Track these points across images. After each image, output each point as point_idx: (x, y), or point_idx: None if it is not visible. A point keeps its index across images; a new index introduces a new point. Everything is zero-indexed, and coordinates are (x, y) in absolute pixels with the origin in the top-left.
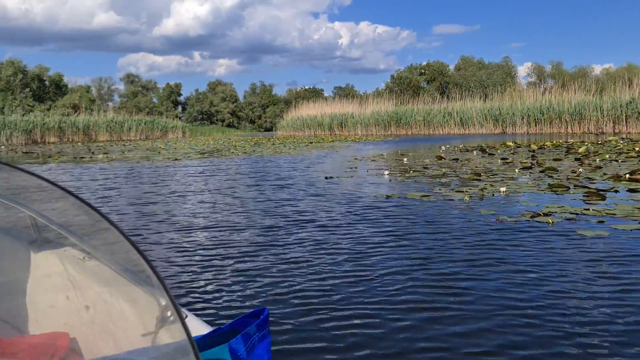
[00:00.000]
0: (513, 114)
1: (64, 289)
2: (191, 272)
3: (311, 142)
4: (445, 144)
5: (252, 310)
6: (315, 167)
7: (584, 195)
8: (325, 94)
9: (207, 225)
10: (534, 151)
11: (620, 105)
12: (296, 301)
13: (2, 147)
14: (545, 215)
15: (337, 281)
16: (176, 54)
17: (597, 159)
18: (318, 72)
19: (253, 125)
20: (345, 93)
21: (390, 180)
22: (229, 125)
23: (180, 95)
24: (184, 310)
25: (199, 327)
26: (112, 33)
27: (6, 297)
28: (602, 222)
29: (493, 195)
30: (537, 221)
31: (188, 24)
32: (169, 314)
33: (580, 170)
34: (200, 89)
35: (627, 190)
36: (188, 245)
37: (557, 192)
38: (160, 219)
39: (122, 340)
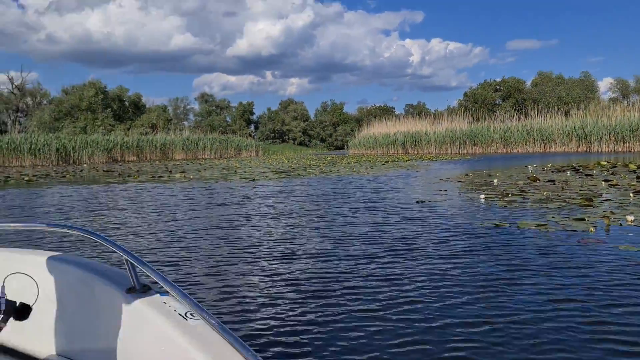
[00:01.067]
0: (599, 131)
1: (162, 349)
2: (280, 316)
3: (387, 161)
4: (529, 163)
5: None
6: (401, 189)
7: None
8: (396, 112)
9: (298, 253)
10: (635, 172)
11: None
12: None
13: (85, 165)
14: None
15: (467, 326)
16: (249, 74)
17: None
18: (388, 90)
19: (324, 144)
20: (416, 111)
21: (490, 206)
22: (300, 144)
23: (252, 114)
24: None
25: None
26: (188, 54)
27: (99, 342)
28: None
29: (620, 225)
30: None
31: (260, 43)
32: None
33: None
34: (272, 108)
35: None
36: (280, 276)
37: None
38: (246, 244)
39: None
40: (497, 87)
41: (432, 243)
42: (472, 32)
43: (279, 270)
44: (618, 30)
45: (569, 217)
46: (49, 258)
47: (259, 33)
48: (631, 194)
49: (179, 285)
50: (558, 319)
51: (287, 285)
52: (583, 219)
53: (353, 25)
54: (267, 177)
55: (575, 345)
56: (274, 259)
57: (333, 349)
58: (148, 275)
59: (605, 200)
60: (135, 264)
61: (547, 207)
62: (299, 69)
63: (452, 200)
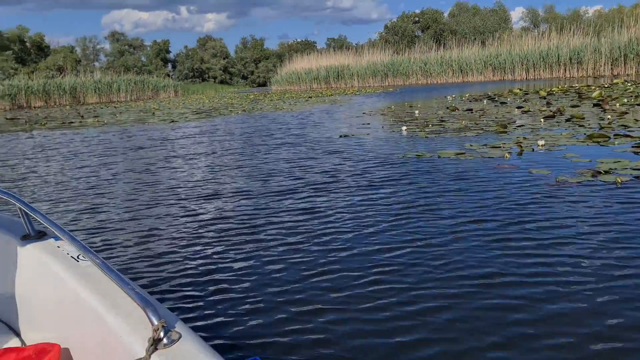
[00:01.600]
0: (512, 60)
1: (56, 291)
2: (198, 252)
3: (310, 97)
4: (449, 93)
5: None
6: (325, 124)
7: (633, 147)
8: (318, 46)
9: (221, 192)
10: (545, 98)
11: (619, 47)
12: (328, 282)
13: None
14: (607, 172)
15: (394, 245)
16: (162, 9)
17: (617, 104)
18: (309, 24)
19: (246, 81)
20: (338, 44)
21: (412, 137)
22: (222, 82)
23: (169, 52)
24: (180, 327)
25: (197, 355)
26: None
27: None
28: None
29: (533, 150)
30: (602, 181)
31: None
32: (162, 336)
33: (609, 117)
34: (189, 46)
35: None
36: (202, 215)
37: (600, 144)
38: (166, 186)
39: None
40: (416, 19)
41: (355, 175)
42: None
43: (201, 210)
44: None
45: (485, 145)
46: None
47: None
48: (542, 120)
49: (86, 231)
50: (472, 238)
51: (208, 224)
52: (499, 146)
53: None
54: (187, 118)
55: (486, 259)
56: (195, 200)
57: (256, 283)
58: (42, 224)
59: (519, 126)
60: (28, 212)
61: (465, 136)
62: (216, 3)
63: (376, 133)
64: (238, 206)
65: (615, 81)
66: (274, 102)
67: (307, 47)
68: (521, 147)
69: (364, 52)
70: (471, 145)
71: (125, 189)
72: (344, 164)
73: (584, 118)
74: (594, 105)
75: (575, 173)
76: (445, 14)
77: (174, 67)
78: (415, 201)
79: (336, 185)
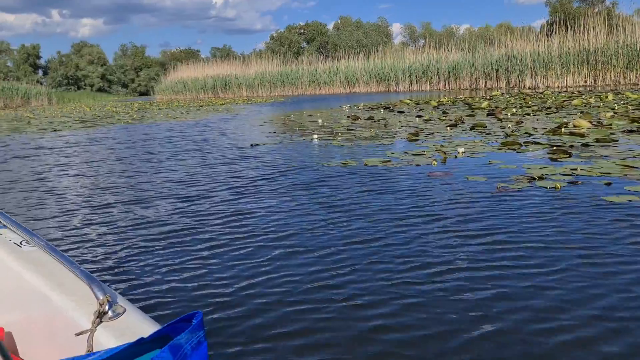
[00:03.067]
0: (396, 72)
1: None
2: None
3: (201, 106)
4: (342, 103)
5: (184, 314)
6: (229, 132)
7: (548, 153)
8: (202, 55)
9: (141, 198)
10: (438, 107)
11: (491, 63)
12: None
13: None
14: (541, 178)
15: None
16: (30, 12)
17: (508, 114)
18: (192, 33)
19: (126, 90)
20: (223, 54)
21: (326, 145)
22: (100, 90)
23: (39, 58)
24: (123, 302)
25: (140, 325)
26: None
27: None
28: (610, 183)
29: (456, 157)
30: (542, 187)
31: None
32: (107, 310)
33: (509, 125)
34: (63, 51)
35: (583, 145)
36: (96, 226)
37: (516, 151)
38: (66, 200)
39: (59, 339)
40: (302, 30)
41: (276, 181)
42: None
43: (97, 219)
44: None
45: (406, 152)
46: None
47: None
48: (448, 128)
49: None
50: (429, 248)
51: (102, 234)
52: (420, 154)
53: None
54: (71, 126)
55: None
56: (92, 209)
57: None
58: None
59: (429, 134)
60: None
61: (380, 143)
62: (92, 8)
63: (287, 142)
64: (164, 210)
65: (494, 93)
66: (163, 110)
67: (190, 55)
68: (445, 154)
69: (252, 61)
70: (392, 154)
71: (29, 198)
72: (263, 172)
73: (486, 126)
74: (488, 114)
75: (510, 180)
76: (330, 27)
77: (45, 73)
78: (354, 209)
79: (258, 195)
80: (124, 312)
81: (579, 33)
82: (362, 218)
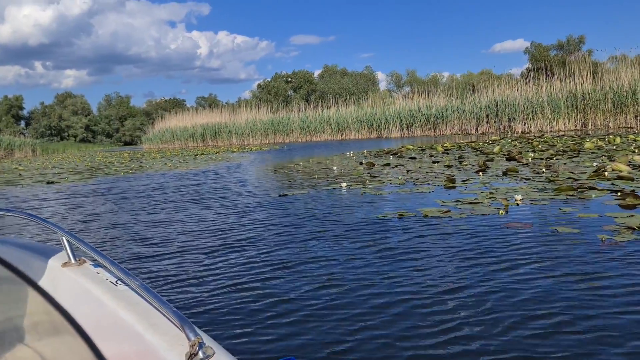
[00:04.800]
0: (387, 119)
1: (95, 313)
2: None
3: (196, 155)
4: (341, 150)
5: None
6: (247, 182)
7: (616, 198)
8: (188, 104)
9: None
10: (447, 153)
11: (480, 108)
12: None
13: None
14: None
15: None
16: (13, 64)
17: (529, 158)
18: (176, 83)
19: (111, 140)
20: (208, 103)
21: (362, 194)
22: (83, 141)
23: (22, 109)
24: (213, 344)
25: None
26: None
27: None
28: None
29: (517, 204)
30: None
31: (28, 31)
32: (198, 351)
33: (543, 170)
34: (46, 102)
35: None
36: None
37: (577, 197)
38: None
39: None
40: (289, 79)
41: (338, 237)
42: (258, 26)
43: (171, 269)
44: (384, 30)
45: (459, 201)
46: None
47: (25, 19)
48: (480, 174)
49: None
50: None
51: (182, 280)
52: (476, 202)
53: (136, 15)
54: (66, 178)
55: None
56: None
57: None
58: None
59: (464, 181)
60: (71, 240)
61: (421, 191)
62: (76, 59)
63: (316, 191)
64: (235, 258)
65: (493, 138)
66: (157, 160)
67: (176, 105)
68: (506, 202)
69: (242, 110)
70: (444, 202)
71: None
72: (313, 224)
73: (518, 171)
74: (508, 159)
75: (605, 230)
76: (315, 75)
77: (27, 124)
78: (461, 271)
79: (323, 245)
80: (213, 354)
81: (567, 78)
82: (480, 283)
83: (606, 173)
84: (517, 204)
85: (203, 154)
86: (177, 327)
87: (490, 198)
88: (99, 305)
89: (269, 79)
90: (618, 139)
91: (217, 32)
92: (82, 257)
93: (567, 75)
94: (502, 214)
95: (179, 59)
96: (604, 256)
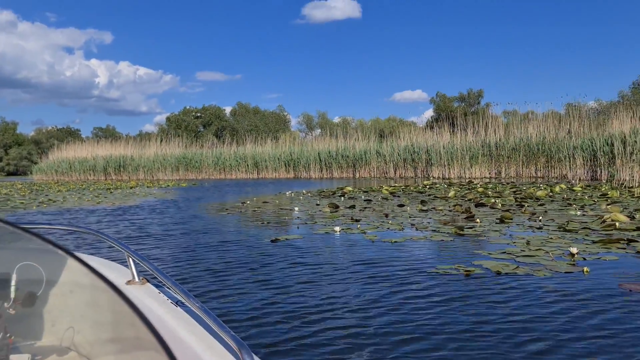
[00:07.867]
0: (307, 159)
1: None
2: None
3: (109, 188)
4: (269, 190)
5: None
6: (211, 225)
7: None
8: (83, 135)
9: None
10: (398, 196)
11: (399, 153)
12: None
13: None
14: None
15: None
16: None
17: (499, 204)
18: (70, 112)
19: None
20: (106, 134)
21: (372, 241)
22: None
23: None
24: None
25: None
26: None
27: (98, 331)
28: None
29: (582, 259)
30: None
31: None
32: None
33: (540, 217)
34: None
35: None
36: None
37: (626, 250)
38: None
39: None
40: (199, 114)
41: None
42: (163, 59)
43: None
44: (290, 73)
45: (507, 253)
46: (57, 253)
47: None
48: (478, 220)
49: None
50: None
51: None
52: (531, 256)
53: (29, 38)
54: None
55: None
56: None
57: None
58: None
59: (469, 227)
60: (136, 259)
61: (441, 239)
62: None
63: (310, 234)
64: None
65: (425, 182)
66: (64, 193)
67: (69, 135)
68: (574, 255)
69: (150, 143)
70: (490, 254)
71: None
72: (353, 280)
73: (512, 219)
74: (477, 205)
75: (615, 276)
76: (227, 112)
77: None
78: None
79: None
80: None
81: (479, 128)
82: None
83: (617, 224)
84: (581, 259)
85: (118, 188)
86: (235, 350)
87: (537, 250)
88: (160, 324)
89: (177, 113)
90: (558, 188)
91: (119, 62)
92: (146, 277)
93: (473, 125)
94: (587, 272)
95: (75, 86)
96: None
